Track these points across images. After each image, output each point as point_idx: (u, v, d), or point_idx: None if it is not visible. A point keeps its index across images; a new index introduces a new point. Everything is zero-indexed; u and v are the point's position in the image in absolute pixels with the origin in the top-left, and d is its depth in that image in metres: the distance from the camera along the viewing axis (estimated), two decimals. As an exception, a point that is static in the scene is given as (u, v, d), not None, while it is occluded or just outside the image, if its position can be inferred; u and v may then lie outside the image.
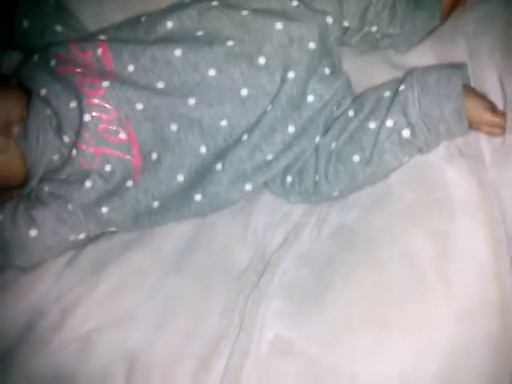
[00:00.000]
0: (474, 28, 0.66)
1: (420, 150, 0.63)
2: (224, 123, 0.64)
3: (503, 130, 0.60)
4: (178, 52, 0.64)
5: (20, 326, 0.62)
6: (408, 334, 0.55)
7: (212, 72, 0.64)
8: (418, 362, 0.54)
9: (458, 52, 0.66)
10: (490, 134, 0.61)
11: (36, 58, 0.69)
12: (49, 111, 0.65)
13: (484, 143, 0.62)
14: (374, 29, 0.69)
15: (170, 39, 0.66)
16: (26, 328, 0.62)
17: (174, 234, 0.66)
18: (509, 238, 0.58)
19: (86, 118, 0.63)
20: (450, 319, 0.54)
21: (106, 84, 0.64)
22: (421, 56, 0.69)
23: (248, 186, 0.64)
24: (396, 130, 0.61)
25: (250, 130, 0.63)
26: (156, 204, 0.65)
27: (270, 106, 0.63)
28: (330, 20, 0.65)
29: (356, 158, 0.63)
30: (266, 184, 0.67)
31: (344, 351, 0.56)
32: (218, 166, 0.63)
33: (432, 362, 0.53)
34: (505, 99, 0.61)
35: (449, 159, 0.62)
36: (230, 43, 0.64)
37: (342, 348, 0.56)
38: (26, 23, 0.72)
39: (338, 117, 0.65)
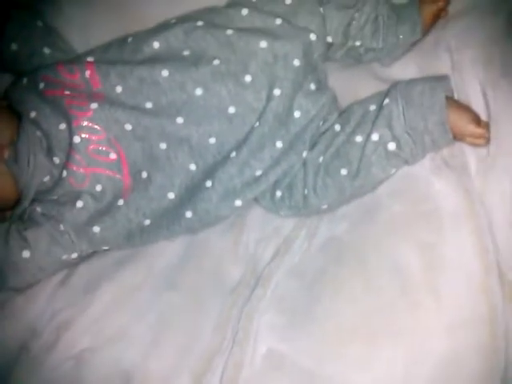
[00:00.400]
0: (455, 41, 0.67)
1: (406, 162, 0.64)
2: (212, 141, 0.65)
3: (487, 140, 0.61)
4: (164, 72, 0.65)
5: (14, 347, 0.62)
6: (398, 345, 0.56)
7: (199, 91, 0.65)
8: (408, 373, 0.54)
9: (441, 65, 0.67)
10: (474, 145, 0.62)
11: (25, 81, 0.70)
12: (39, 133, 0.66)
13: (469, 154, 0.63)
14: (357, 43, 0.70)
15: (157, 59, 0.66)
16: (20, 349, 0.62)
17: (166, 251, 0.67)
18: (496, 247, 0.59)
19: (76, 139, 0.64)
20: (440, 330, 0.55)
21: (94, 106, 0.64)
22: (404, 68, 0.70)
23: (238, 202, 0.65)
24: (382, 143, 0.62)
25: (238, 147, 0.64)
26: (147, 222, 0.66)
27: (257, 123, 0.64)
28: (313, 37, 0.67)
29: (344, 171, 0.64)
30: (256, 199, 0.68)
31: (336, 363, 0.57)
32: (208, 183, 0.64)
33: (423, 372, 0.54)
34: (488, 111, 0.62)
35: (435, 171, 0.63)
36: (215, 62, 0.65)
37: (333, 360, 0.57)
38: (14, 46, 0.73)
39: (325, 131, 0.66)
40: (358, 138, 0.64)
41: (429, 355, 0.54)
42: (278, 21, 0.67)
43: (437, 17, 0.70)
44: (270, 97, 0.64)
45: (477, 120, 0.61)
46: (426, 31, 0.70)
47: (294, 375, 0.58)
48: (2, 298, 0.66)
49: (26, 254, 0.64)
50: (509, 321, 0.55)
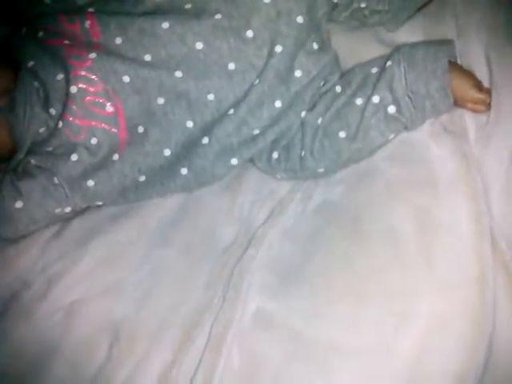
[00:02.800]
0: (462, 6, 0.66)
1: (405, 127, 0.63)
2: (211, 97, 0.64)
3: (488, 107, 0.61)
4: (165, 24, 0.64)
5: (5, 296, 0.62)
6: (387, 305, 0.56)
7: (199, 45, 0.63)
8: (397, 333, 0.55)
9: (446, 29, 0.66)
10: (475, 110, 0.61)
11: (24, 30, 0.69)
12: (36, 83, 0.65)
13: (469, 120, 0.63)
14: (362, 5, 0.69)
15: (158, 12, 0.65)
16: (10, 297, 0.62)
17: (160, 208, 0.66)
18: (491, 215, 0.59)
19: (73, 89, 0.63)
20: (430, 292, 0.55)
21: (93, 55, 0.63)
22: (409, 33, 0.69)
23: (234, 161, 0.64)
24: (382, 105, 0.61)
25: (236, 105, 0.63)
26: (142, 178, 0.65)
27: (257, 81, 0.63)
28: (318, -6, 0.65)
29: (342, 134, 0.63)
30: (252, 161, 0.68)
31: (324, 323, 0.57)
32: (205, 140, 0.64)
33: (411, 333, 0.54)
34: (490, 77, 0.62)
35: (433, 136, 0.63)
36: (217, 16, 0.64)
37: (322, 320, 0.57)
38: None
39: (325, 92, 0.65)
40: (359, 101, 0.63)
41: (418, 317, 0.54)
42: (283, -24, 0.65)
43: (445, -19, 0.69)
44: (271, 53, 0.63)
45: (478, 86, 0.61)
46: (433, -5, 0.69)
47: (282, 334, 0.58)
48: (-6, 248, 0.66)
49: (18, 204, 0.64)
50: (497, 287, 0.55)
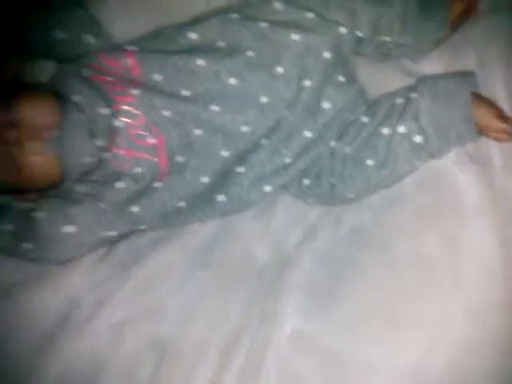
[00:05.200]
0: (481, 39, 0.69)
1: (432, 156, 0.66)
2: (245, 129, 0.68)
3: (511, 135, 0.63)
4: (200, 62, 0.68)
5: (57, 315, 0.67)
6: (419, 328, 0.59)
7: (233, 80, 0.68)
8: (429, 355, 0.58)
9: (467, 61, 0.69)
10: (498, 139, 0.64)
11: (69, 66, 0.73)
12: (82, 117, 0.70)
13: (494, 149, 0.66)
14: (386, 39, 0.72)
15: (193, 49, 0.70)
16: (62, 316, 0.66)
17: (199, 233, 0.70)
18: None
19: (117, 123, 0.68)
20: (459, 317, 0.58)
21: (134, 92, 0.68)
22: (432, 64, 0.73)
23: (268, 188, 0.68)
24: (408, 135, 0.65)
25: (268, 135, 0.68)
26: (182, 204, 0.70)
27: (287, 113, 0.67)
28: (343, 30, 0.69)
29: (370, 162, 0.66)
30: (284, 187, 0.72)
31: (358, 344, 0.60)
32: (240, 169, 0.68)
33: (442, 355, 0.57)
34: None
35: (459, 164, 0.66)
36: (249, 53, 0.68)
37: (356, 341, 0.61)
38: (60, 34, 0.76)
39: (352, 122, 0.69)
40: (385, 130, 0.66)
41: (448, 339, 0.58)
42: (310, 14, 0.69)
43: (465, 15, 0.72)
44: (300, 87, 0.67)
45: (501, 115, 0.64)
46: (454, 29, 0.72)
47: (318, 354, 0.61)
48: (46, 270, 0.70)
49: (68, 229, 0.68)
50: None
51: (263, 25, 0.69)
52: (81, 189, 0.71)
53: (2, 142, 0.68)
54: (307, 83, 0.67)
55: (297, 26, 0.69)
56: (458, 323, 0.58)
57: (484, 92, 0.67)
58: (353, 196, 0.68)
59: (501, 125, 0.63)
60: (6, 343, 0.66)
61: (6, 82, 0.82)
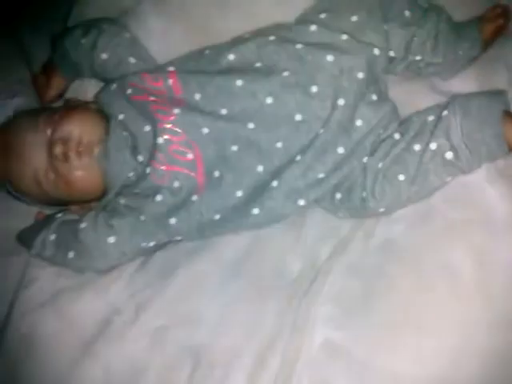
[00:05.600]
0: (512, 57, 0.70)
1: (462, 171, 0.67)
2: (279, 145, 0.71)
3: (541, 154, 0.65)
4: (239, 82, 0.72)
5: (98, 321, 0.70)
6: (445, 339, 0.60)
7: (269, 100, 0.71)
8: (455, 366, 0.58)
9: (499, 80, 0.71)
10: (529, 157, 0.65)
11: (114, 86, 0.78)
12: (126, 134, 0.74)
13: (524, 165, 0.67)
14: (418, 58, 0.75)
15: (232, 70, 0.73)
16: (103, 322, 0.70)
17: (233, 243, 0.73)
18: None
19: (160, 140, 0.71)
20: (485, 328, 0.59)
21: (176, 111, 0.72)
22: (463, 83, 0.74)
23: (301, 202, 0.70)
24: (439, 152, 0.66)
25: (302, 151, 0.70)
26: (217, 216, 0.72)
27: (321, 130, 0.70)
28: (376, 52, 0.72)
29: (401, 177, 0.68)
30: (316, 200, 0.74)
31: (387, 354, 0.61)
32: (274, 183, 0.70)
33: (468, 366, 0.58)
34: (542, 125, 0.65)
35: (489, 179, 0.67)
36: (285, 74, 0.71)
37: (385, 351, 0.61)
38: (104, 55, 0.81)
39: (385, 139, 0.71)
40: (417, 147, 0.68)
41: (474, 351, 0.58)
42: (344, 36, 0.72)
43: (496, 34, 0.74)
44: (334, 106, 0.69)
45: (532, 134, 0.65)
46: (485, 48, 0.74)
47: (348, 364, 0.62)
48: (89, 278, 0.74)
49: (111, 239, 0.73)
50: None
51: (299, 46, 0.72)
52: (123, 201, 0.75)
53: (50, 157, 0.73)
54: (341, 102, 0.69)
55: (332, 48, 0.71)
56: (484, 333, 0.58)
57: (515, 110, 0.68)
58: (383, 210, 0.69)
59: (531, 143, 0.64)
60: (48, 348, 0.70)
61: (54, 100, 0.88)
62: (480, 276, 0.61)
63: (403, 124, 0.71)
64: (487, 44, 0.74)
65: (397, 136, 0.70)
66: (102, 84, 0.84)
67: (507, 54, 0.71)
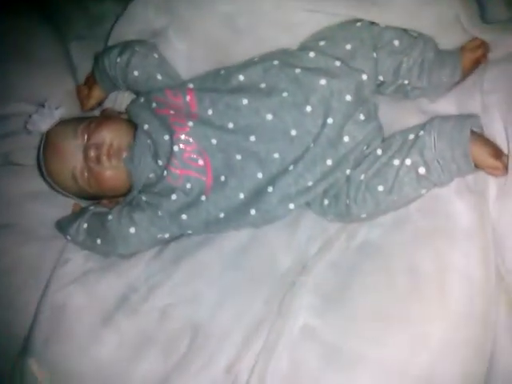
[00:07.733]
0: (487, 85, 0.78)
1: (435, 185, 0.76)
2: (276, 156, 0.81)
3: (504, 171, 0.72)
4: (245, 100, 0.82)
5: (117, 297, 0.83)
6: (406, 329, 0.69)
7: (269, 116, 0.81)
8: (413, 352, 0.68)
9: (474, 104, 0.79)
10: (492, 175, 0.73)
11: (141, 99, 0.90)
12: (149, 141, 0.87)
13: (491, 182, 0.75)
14: (405, 82, 0.83)
15: (240, 89, 0.84)
16: (122, 299, 0.82)
17: (233, 239, 0.84)
18: (505, 268, 0.70)
19: (175, 148, 0.83)
20: (441, 320, 0.68)
21: (190, 124, 0.84)
22: (445, 105, 0.82)
23: (291, 205, 0.81)
24: (413, 167, 0.75)
25: (295, 162, 0.80)
26: (222, 215, 0.84)
27: (312, 144, 0.80)
28: (365, 77, 0.81)
29: (380, 188, 0.77)
30: (309, 205, 0.84)
31: (355, 339, 0.71)
32: (270, 189, 0.81)
33: (423, 355, 0.67)
34: (508, 146, 0.73)
35: (458, 193, 0.75)
36: (284, 94, 0.82)
37: (353, 337, 0.71)
38: (136, 72, 0.93)
39: (368, 154, 0.80)
40: (396, 162, 0.77)
41: (430, 340, 0.67)
42: (338, 63, 0.82)
43: (476, 63, 0.81)
44: (324, 124, 0.79)
45: (496, 154, 0.73)
46: (466, 74, 0.82)
47: (321, 346, 0.73)
48: (113, 261, 0.88)
49: (132, 230, 0.85)
50: (498, 326, 0.66)
51: (298, 71, 0.82)
52: (144, 198, 0.88)
53: (85, 159, 0.86)
54: (330, 121, 0.79)
55: (325, 73, 0.81)
56: (440, 326, 0.67)
57: (487, 132, 0.76)
58: (365, 216, 0.79)
59: (494, 162, 0.72)
60: (76, 316, 0.83)
61: (94, 108, 1.02)
62: (439, 278, 0.70)
63: (387, 141, 0.80)
64: (468, 71, 0.81)
65: (379, 152, 0.79)
66: (134, 96, 0.97)
67: (482, 81, 0.79)
